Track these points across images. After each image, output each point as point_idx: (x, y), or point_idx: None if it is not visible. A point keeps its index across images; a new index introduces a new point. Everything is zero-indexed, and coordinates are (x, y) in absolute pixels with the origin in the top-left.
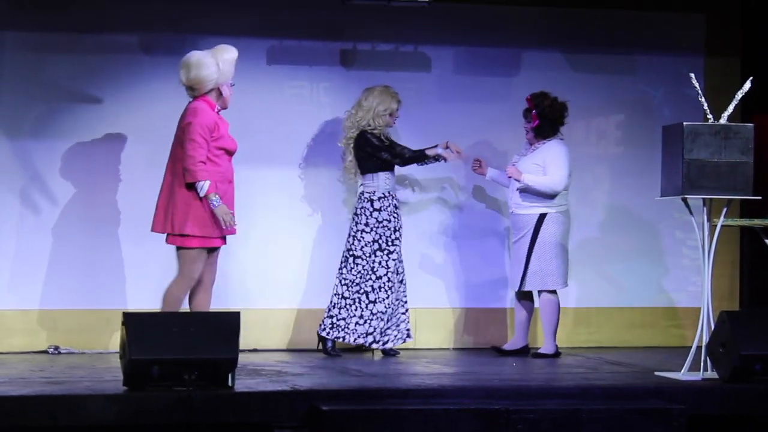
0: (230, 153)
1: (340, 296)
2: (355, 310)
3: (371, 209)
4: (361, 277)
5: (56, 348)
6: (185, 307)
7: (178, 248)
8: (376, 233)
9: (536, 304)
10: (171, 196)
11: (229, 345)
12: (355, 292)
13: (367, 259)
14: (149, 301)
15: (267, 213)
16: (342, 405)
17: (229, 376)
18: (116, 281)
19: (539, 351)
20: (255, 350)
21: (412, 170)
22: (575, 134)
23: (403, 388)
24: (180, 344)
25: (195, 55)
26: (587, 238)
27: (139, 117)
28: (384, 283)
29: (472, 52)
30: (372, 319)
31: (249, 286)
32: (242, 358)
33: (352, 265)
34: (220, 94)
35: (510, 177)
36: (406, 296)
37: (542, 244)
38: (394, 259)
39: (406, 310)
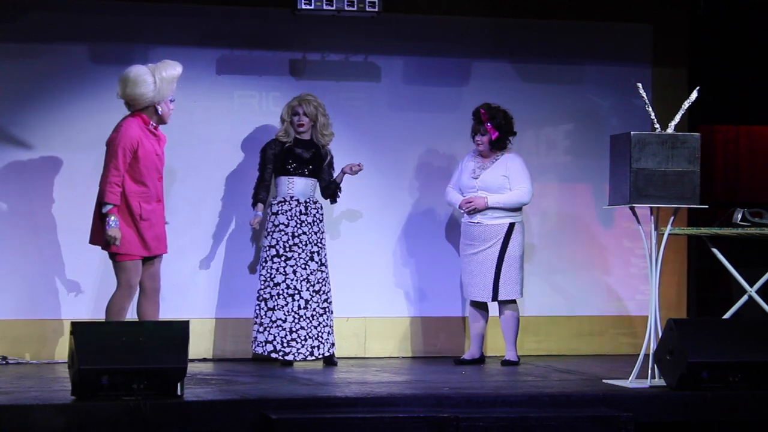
0: (159, 172)
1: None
2: (255, 317)
3: (269, 213)
4: (260, 284)
5: (4, 358)
6: (134, 317)
7: (111, 260)
8: (273, 238)
9: (491, 314)
10: (100, 209)
11: (178, 354)
12: (256, 299)
13: (264, 265)
14: (97, 311)
15: (215, 221)
16: (291, 413)
17: (179, 385)
18: (64, 291)
19: (508, 359)
20: (204, 359)
21: (364, 178)
22: (524, 144)
23: (353, 397)
24: (129, 354)
25: (133, 71)
26: (536, 247)
27: (86, 126)
28: (283, 290)
29: (422, 62)
30: (272, 327)
31: (198, 295)
32: (191, 367)
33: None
34: (156, 110)
35: (472, 209)
36: (326, 307)
37: (512, 254)
38: (292, 266)
39: (328, 322)
